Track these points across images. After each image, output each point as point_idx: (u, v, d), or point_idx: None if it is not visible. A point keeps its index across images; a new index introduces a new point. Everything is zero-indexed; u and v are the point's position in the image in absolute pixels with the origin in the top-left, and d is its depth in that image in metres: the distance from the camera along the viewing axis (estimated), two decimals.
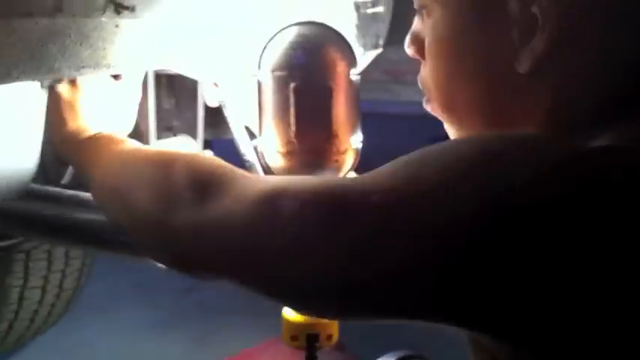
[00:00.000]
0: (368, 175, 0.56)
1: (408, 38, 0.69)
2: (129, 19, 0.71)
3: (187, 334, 2.48)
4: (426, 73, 0.67)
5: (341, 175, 0.83)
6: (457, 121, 0.65)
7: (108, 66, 0.75)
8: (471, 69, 0.62)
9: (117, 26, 0.73)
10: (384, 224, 0.50)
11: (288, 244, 0.54)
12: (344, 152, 0.82)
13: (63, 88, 0.84)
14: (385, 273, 0.50)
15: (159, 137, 1.13)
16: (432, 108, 0.68)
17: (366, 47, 1.13)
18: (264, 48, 0.81)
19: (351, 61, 0.81)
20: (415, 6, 0.67)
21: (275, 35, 0.81)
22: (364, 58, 1.14)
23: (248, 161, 1.03)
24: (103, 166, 0.76)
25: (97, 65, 0.74)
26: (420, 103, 0.71)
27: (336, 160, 0.82)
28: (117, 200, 0.71)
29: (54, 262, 1.76)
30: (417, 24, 0.68)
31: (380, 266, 0.50)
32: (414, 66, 0.69)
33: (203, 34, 0.85)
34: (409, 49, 0.69)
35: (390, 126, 3.35)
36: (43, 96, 0.83)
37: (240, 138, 1.04)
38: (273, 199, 0.56)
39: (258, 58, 0.81)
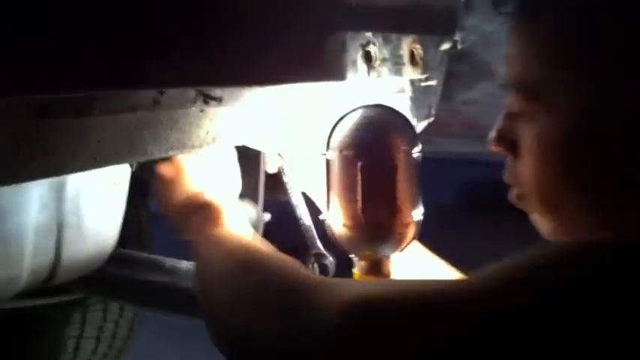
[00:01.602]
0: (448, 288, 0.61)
1: (493, 136, 0.71)
2: (214, 107, 0.78)
3: None
4: (524, 173, 0.69)
5: (402, 246, 0.88)
6: (556, 220, 0.68)
7: (192, 147, 0.82)
8: (581, 177, 0.64)
9: (202, 111, 0.81)
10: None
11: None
12: (407, 225, 0.87)
13: (162, 167, 0.91)
14: None
15: None
16: (523, 205, 0.71)
17: (419, 118, 1.19)
18: (333, 129, 0.87)
19: (413, 141, 0.87)
20: (511, 109, 0.69)
21: (343, 117, 0.87)
22: (418, 127, 1.20)
23: (304, 224, 1.09)
24: (200, 254, 0.82)
25: (183, 147, 0.81)
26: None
27: (400, 233, 0.87)
28: (204, 295, 0.76)
29: (109, 313, 1.83)
30: (504, 123, 0.71)
31: None
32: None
33: (274, 116, 0.92)
34: (495, 147, 0.72)
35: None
36: (126, 172, 0.90)
37: (298, 202, 1.10)
38: (365, 316, 0.59)
39: (327, 138, 0.88)
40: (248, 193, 1.21)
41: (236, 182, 0.98)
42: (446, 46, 1.17)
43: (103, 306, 1.79)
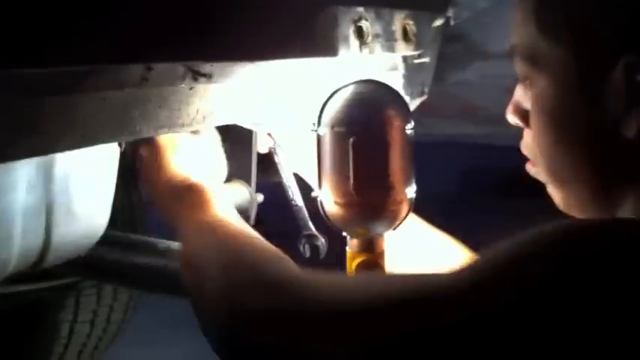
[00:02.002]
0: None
1: (510, 107, 0.72)
2: (204, 83, 0.77)
3: None
4: (530, 141, 0.70)
5: (395, 224, 0.88)
6: (562, 187, 0.69)
7: (182, 125, 0.81)
8: (576, 138, 0.65)
9: (191, 89, 0.79)
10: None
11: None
12: (400, 203, 0.86)
13: (144, 150, 0.89)
14: None
15: None
16: (536, 172, 0.71)
17: (412, 96, 1.17)
18: (324, 105, 0.86)
19: (406, 117, 0.86)
20: (518, 76, 0.70)
21: (334, 93, 0.86)
22: (411, 105, 1.19)
23: (296, 205, 1.08)
24: (187, 235, 0.81)
25: (173, 125, 0.79)
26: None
27: (393, 210, 0.86)
28: (192, 277, 0.76)
29: (103, 297, 1.82)
30: (519, 93, 0.71)
31: None
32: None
33: (265, 93, 0.91)
34: (511, 118, 0.73)
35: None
36: (115, 151, 0.89)
37: (289, 183, 1.09)
38: (356, 319, 0.58)
39: (318, 114, 0.86)
40: (240, 174, 1.20)
41: (221, 167, 0.96)
42: (438, 22, 1.16)
43: (97, 290, 1.79)
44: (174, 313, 2.80)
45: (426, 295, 0.57)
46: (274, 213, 1.15)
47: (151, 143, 0.89)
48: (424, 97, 1.25)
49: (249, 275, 0.69)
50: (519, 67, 0.70)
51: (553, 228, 0.56)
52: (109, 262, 1.02)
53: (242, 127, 1.09)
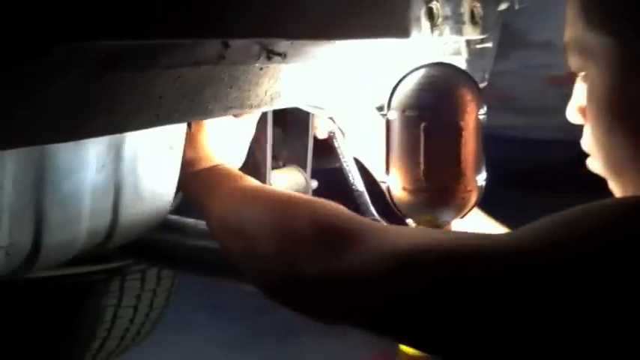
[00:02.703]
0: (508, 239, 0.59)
1: (570, 104, 0.73)
2: (276, 63, 0.75)
3: (262, 355, 2.51)
4: (588, 135, 0.70)
5: (464, 212, 0.85)
6: (620, 179, 0.68)
7: (251, 106, 0.79)
8: (630, 126, 0.64)
9: (261, 69, 0.77)
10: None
11: (428, 300, 0.58)
12: (470, 190, 0.84)
13: (194, 127, 0.89)
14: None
15: None
16: (594, 167, 0.71)
17: None
18: (395, 88, 0.84)
19: (479, 101, 0.83)
20: (573, 70, 0.70)
21: (405, 76, 0.83)
22: None
23: (357, 190, 1.05)
24: (222, 202, 0.80)
25: (242, 106, 0.78)
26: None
27: (462, 198, 0.84)
28: (239, 243, 0.75)
29: (147, 282, 1.82)
30: (577, 90, 0.72)
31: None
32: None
33: (333, 75, 0.89)
34: (571, 116, 0.73)
35: None
36: (182, 131, 0.87)
37: (350, 168, 1.07)
38: (411, 258, 0.60)
39: (388, 97, 0.84)
40: (296, 159, 1.18)
41: (242, 155, 0.95)
42: (503, 6, 1.12)
43: (141, 275, 1.79)
44: (210, 298, 2.84)
45: (483, 249, 0.58)
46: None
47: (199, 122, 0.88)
48: (485, 84, 1.22)
49: (308, 233, 0.68)
50: (573, 61, 0.70)
51: (620, 202, 0.58)
52: (162, 244, 1.01)
53: (298, 112, 1.07)
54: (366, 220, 0.71)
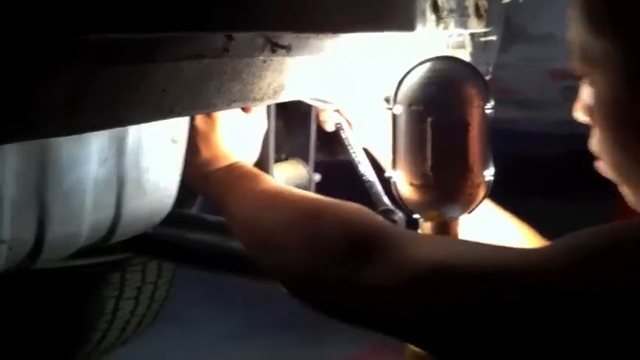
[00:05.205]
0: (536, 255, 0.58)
1: (576, 104, 0.71)
2: (280, 56, 0.74)
3: (263, 346, 2.51)
4: (596, 138, 0.69)
5: (472, 207, 0.84)
6: (630, 184, 0.67)
7: (254, 99, 0.78)
8: (636, 133, 0.64)
9: (265, 62, 0.76)
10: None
11: (452, 316, 0.58)
12: (477, 185, 0.83)
13: (199, 120, 0.88)
14: None
15: None
16: (605, 171, 0.70)
17: None
18: (400, 82, 0.83)
19: (486, 96, 0.82)
20: (578, 73, 0.69)
21: (411, 70, 0.82)
22: None
23: (368, 181, 1.04)
24: (245, 204, 0.80)
25: (245, 99, 0.77)
26: None
27: (470, 194, 0.83)
28: (262, 243, 0.76)
29: (148, 274, 1.82)
30: (584, 91, 0.70)
31: None
32: None
33: (337, 68, 0.88)
34: (579, 116, 0.71)
35: None
36: (184, 125, 0.87)
37: (359, 159, 1.05)
38: (443, 274, 0.60)
39: (394, 91, 0.83)
40: (298, 152, 1.17)
41: (256, 150, 0.94)
42: None
43: (142, 267, 1.78)
44: (209, 289, 2.84)
45: (508, 266, 0.58)
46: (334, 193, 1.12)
47: (206, 116, 0.87)
48: (489, 77, 1.21)
49: (336, 237, 0.68)
50: (577, 65, 0.69)
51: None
52: (166, 238, 1.00)
53: (300, 105, 1.06)
54: (398, 229, 0.72)
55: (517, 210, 0.99)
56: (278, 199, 0.79)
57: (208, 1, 0.61)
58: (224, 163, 0.87)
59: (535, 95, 4.45)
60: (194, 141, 0.88)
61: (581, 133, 0.73)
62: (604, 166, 0.70)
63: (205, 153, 0.87)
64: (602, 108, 0.66)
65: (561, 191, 3.70)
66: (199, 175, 0.87)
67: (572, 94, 0.73)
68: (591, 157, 0.71)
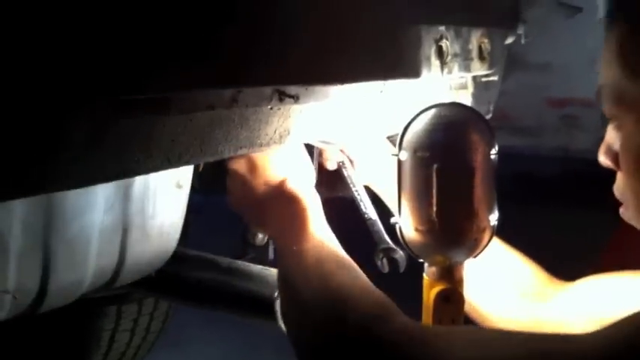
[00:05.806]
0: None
1: (602, 148, 0.70)
2: (289, 104, 0.74)
3: None
4: (622, 183, 0.68)
5: (477, 252, 0.84)
6: None
7: (260, 145, 0.78)
8: None
9: (271, 109, 0.77)
10: None
11: None
12: (483, 230, 0.83)
13: (235, 163, 0.87)
14: None
15: None
16: (629, 217, 0.69)
17: None
18: (406, 129, 0.83)
19: (491, 141, 0.83)
20: (606, 115, 0.68)
21: (417, 116, 0.83)
22: None
23: (369, 219, 1.04)
24: (292, 256, 0.80)
25: (252, 145, 0.77)
26: None
27: (475, 239, 0.83)
28: (291, 302, 0.78)
29: (144, 306, 1.80)
30: (609, 135, 0.69)
31: None
32: None
33: (342, 113, 0.88)
34: (603, 160, 0.70)
35: None
36: (189, 170, 0.86)
37: (361, 197, 1.05)
38: None
39: (399, 137, 0.83)
40: None
41: (312, 173, 0.93)
42: (510, 39, 1.12)
43: (139, 299, 1.77)
44: (211, 313, 2.80)
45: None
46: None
47: (241, 157, 0.86)
48: (490, 116, 1.21)
49: (354, 327, 0.68)
50: (607, 108, 0.68)
51: None
52: (172, 277, 1.00)
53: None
54: (432, 329, 0.72)
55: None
56: (315, 269, 0.78)
57: (218, 60, 0.62)
58: (282, 191, 0.85)
59: (533, 122, 4.49)
60: (241, 184, 0.87)
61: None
62: (628, 213, 0.69)
63: (260, 186, 0.85)
64: (631, 153, 0.65)
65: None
66: (254, 206, 0.86)
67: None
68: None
